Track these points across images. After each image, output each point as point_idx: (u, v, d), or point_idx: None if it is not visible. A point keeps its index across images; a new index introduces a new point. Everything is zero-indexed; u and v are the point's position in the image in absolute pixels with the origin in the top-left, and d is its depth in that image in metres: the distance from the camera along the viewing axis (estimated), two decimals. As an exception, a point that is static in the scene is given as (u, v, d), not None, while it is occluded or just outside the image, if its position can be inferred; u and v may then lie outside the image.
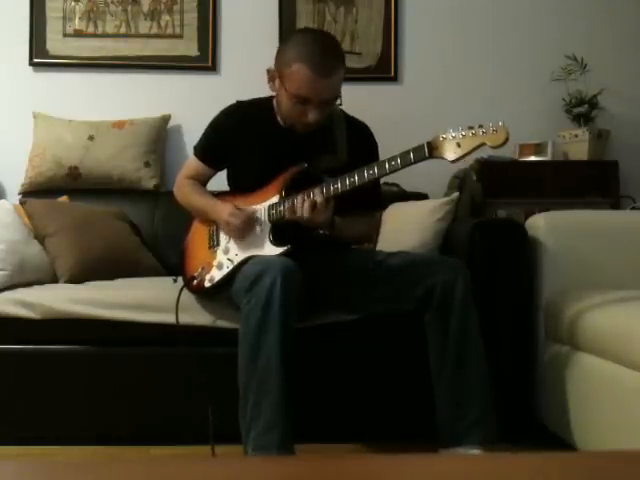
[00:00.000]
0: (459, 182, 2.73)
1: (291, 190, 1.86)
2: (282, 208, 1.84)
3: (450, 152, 1.61)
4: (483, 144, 1.60)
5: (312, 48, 1.79)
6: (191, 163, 2.09)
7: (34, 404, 2.00)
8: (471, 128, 1.60)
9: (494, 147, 1.60)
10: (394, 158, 1.68)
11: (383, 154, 1.82)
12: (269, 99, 1.97)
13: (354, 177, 1.73)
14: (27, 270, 2.18)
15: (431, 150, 1.63)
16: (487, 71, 3.08)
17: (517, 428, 1.89)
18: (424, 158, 1.64)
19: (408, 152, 1.66)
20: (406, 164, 1.66)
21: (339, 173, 1.78)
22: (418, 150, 1.65)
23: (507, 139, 1.58)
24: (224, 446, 1.73)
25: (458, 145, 1.60)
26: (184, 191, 2.08)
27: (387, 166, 1.68)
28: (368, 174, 1.71)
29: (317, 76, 1.77)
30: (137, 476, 0.63)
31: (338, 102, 1.86)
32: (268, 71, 1.89)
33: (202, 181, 2.08)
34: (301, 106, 1.82)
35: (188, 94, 3.01)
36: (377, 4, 3.05)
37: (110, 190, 2.78)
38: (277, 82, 1.86)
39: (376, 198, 2.04)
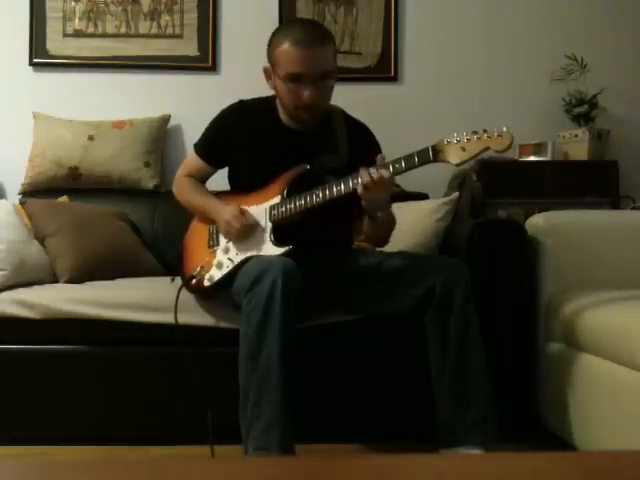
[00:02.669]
0: (459, 182, 2.73)
1: (292, 191, 1.86)
2: (284, 209, 1.84)
3: (455, 156, 1.62)
4: (488, 148, 1.61)
5: (293, 28, 1.85)
6: (191, 160, 2.09)
7: (34, 404, 2.00)
8: (475, 133, 1.61)
9: (499, 152, 1.61)
10: (398, 161, 1.68)
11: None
12: (271, 99, 1.97)
13: (357, 179, 1.72)
14: (27, 270, 2.18)
15: (435, 153, 1.64)
16: (487, 71, 3.08)
17: (517, 428, 1.89)
18: (428, 161, 1.65)
19: (412, 155, 1.67)
20: (410, 167, 1.67)
21: (340, 173, 1.78)
22: (422, 153, 1.65)
23: (511, 144, 1.59)
24: (224, 446, 1.72)
25: (463, 149, 1.61)
26: (184, 189, 2.08)
27: (391, 169, 1.69)
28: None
29: (302, 49, 1.78)
30: (137, 476, 0.63)
31: (332, 83, 1.86)
32: (265, 70, 1.90)
33: (201, 179, 2.08)
34: (295, 85, 1.82)
35: (188, 94, 3.01)
36: (377, 4, 3.05)
37: (110, 190, 2.78)
38: (273, 76, 1.87)
39: None
